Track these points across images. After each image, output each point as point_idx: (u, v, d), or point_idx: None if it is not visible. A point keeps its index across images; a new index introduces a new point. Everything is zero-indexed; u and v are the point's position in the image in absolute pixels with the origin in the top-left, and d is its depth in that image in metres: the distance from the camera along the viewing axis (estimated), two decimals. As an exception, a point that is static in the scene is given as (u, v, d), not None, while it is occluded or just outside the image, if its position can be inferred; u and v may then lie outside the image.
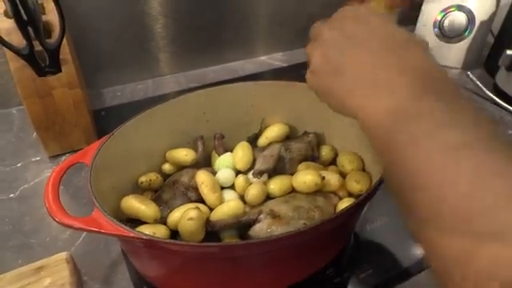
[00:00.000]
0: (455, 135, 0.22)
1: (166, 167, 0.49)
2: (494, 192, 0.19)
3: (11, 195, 0.54)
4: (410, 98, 0.24)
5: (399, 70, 0.26)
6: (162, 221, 0.41)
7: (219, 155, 0.49)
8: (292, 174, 0.45)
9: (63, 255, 0.42)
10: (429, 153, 0.22)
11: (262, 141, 0.52)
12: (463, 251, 0.19)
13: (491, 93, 0.72)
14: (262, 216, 0.38)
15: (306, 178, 0.42)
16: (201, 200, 0.43)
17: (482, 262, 0.18)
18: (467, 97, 0.26)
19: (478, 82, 0.74)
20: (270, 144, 0.50)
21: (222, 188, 0.45)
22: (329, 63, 0.31)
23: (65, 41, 0.51)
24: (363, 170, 0.47)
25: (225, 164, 0.47)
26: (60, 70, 0.52)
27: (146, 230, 0.38)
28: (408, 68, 0.26)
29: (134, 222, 0.40)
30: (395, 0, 0.35)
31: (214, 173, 0.46)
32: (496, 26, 0.80)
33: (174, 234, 0.40)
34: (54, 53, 0.51)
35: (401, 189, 0.24)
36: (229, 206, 0.41)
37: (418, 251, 0.44)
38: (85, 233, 0.47)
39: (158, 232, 0.39)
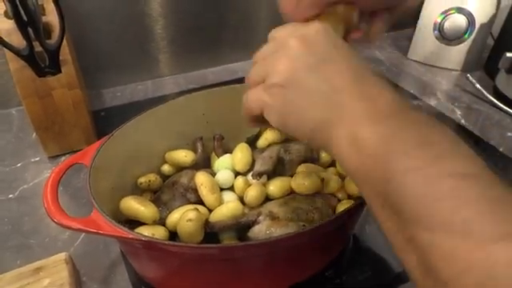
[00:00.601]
0: (453, 167, 0.21)
1: (166, 168, 0.49)
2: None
3: (10, 195, 0.54)
4: (398, 127, 0.23)
5: (375, 98, 0.25)
6: (161, 222, 0.41)
7: (218, 156, 0.49)
8: (291, 176, 0.45)
9: (62, 256, 0.42)
10: (430, 180, 0.20)
11: (262, 142, 0.52)
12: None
13: (491, 95, 0.73)
14: (261, 217, 0.38)
15: (305, 179, 0.42)
16: (200, 201, 0.43)
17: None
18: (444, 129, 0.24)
19: (478, 85, 0.74)
20: (269, 145, 0.50)
21: (222, 189, 0.45)
22: (298, 81, 0.27)
23: (65, 41, 0.51)
24: (362, 171, 0.47)
25: (224, 165, 0.47)
26: (60, 71, 0.52)
27: (145, 231, 0.38)
28: (383, 95, 0.25)
29: (133, 222, 0.40)
30: (344, 18, 0.32)
31: (213, 174, 0.46)
32: (496, 29, 0.80)
33: (173, 235, 0.40)
34: (54, 53, 0.51)
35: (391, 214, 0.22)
36: (228, 208, 0.41)
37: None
38: (84, 233, 0.47)
39: (157, 233, 0.39)
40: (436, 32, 0.83)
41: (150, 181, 0.46)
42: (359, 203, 0.36)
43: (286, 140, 0.52)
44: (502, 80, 0.74)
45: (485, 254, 0.18)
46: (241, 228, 0.39)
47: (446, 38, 0.82)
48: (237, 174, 0.46)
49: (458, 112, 0.71)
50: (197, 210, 0.38)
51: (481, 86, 0.74)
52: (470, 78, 0.75)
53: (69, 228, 0.33)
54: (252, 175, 0.45)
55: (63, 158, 0.60)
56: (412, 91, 0.78)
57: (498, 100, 0.71)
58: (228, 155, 0.49)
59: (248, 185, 0.44)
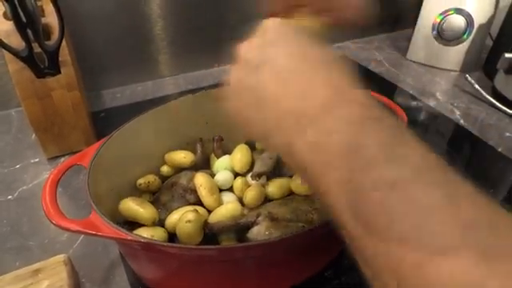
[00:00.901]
0: (390, 172, 0.19)
1: (165, 169, 0.49)
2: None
3: (9, 197, 0.54)
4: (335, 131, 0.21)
5: (320, 101, 0.23)
6: (160, 223, 0.41)
7: (218, 157, 0.49)
8: (291, 177, 0.45)
9: (61, 257, 0.42)
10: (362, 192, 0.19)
11: (261, 143, 0.52)
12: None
13: (490, 96, 0.73)
14: (260, 218, 0.38)
15: (304, 180, 0.42)
16: (199, 202, 0.43)
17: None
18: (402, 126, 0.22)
19: (477, 85, 0.74)
20: (268, 146, 0.50)
21: (221, 190, 0.45)
22: (242, 90, 0.28)
23: (64, 42, 0.51)
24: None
25: (223, 166, 0.47)
26: (59, 72, 0.52)
27: (144, 233, 0.38)
28: (329, 98, 0.23)
29: (132, 224, 0.40)
30: (327, 17, 0.32)
31: (212, 175, 0.46)
32: (495, 29, 0.80)
33: (172, 236, 0.40)
34: (53, 55, 0.51)
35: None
36: (227, 209, 0.41)
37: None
38: (83, 235, 0.47)
39: (156, 235, 0.39)
40: (435, 32, 0.83)
41: (149, 182, 0.46)
42: (358, 204, 0.36)
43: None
44: (500, 80, 0.74)
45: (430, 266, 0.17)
46: (240, 229, 0.39)
47: (445, 38, 0.82)
48: (236, 174, 0.46)
49: (457, 112, 0.72)
50: (196, 211, 0.38)
51: (479, 86, 0.74)
52: (469, 78, 0.75)
53: (67, 230, 0.33)
54: (251, 176, 0.45)
55: (62, 160, 0.60)
56: (411, 92, 0.78)
57: (496, 100, 0.72)
58: (227, 156, 0.49)
59: (247, 186, 0.44)
